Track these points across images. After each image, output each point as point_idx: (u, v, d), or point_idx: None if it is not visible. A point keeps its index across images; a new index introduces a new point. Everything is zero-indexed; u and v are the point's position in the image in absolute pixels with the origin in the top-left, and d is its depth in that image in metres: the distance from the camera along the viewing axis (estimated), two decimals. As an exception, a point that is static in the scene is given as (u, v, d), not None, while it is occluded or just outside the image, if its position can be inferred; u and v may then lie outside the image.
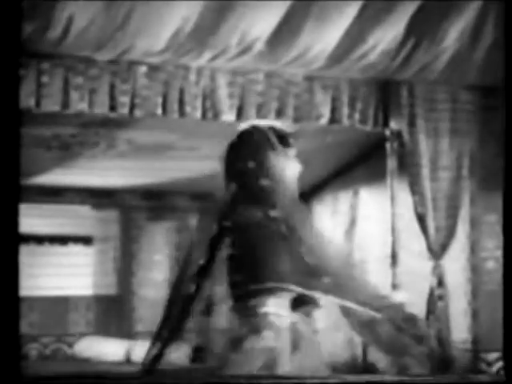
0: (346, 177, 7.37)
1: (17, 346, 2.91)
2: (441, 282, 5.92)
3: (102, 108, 5.36)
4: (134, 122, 6.07)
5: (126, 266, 8.71)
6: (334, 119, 5.78)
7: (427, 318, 5.90)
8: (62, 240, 8.61)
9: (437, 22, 5.17)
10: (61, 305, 8.55)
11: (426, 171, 5.89)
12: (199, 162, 7.30)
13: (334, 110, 5.79)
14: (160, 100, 5.45)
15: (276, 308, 2.90)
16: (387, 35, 5.21)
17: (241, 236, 3.00)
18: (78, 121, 6.04)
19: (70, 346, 8.40)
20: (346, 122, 5.81)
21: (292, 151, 3.17)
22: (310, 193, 7.71)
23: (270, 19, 4.97)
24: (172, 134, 6.51)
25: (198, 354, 3.13)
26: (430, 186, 5.89)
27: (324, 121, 5.76)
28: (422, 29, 5.19)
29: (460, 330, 5.99)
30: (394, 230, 5.99)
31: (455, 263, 6.03)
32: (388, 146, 6.04)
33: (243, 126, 3.22)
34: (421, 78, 5.78)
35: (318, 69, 5.55)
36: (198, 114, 5.51)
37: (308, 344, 2.97)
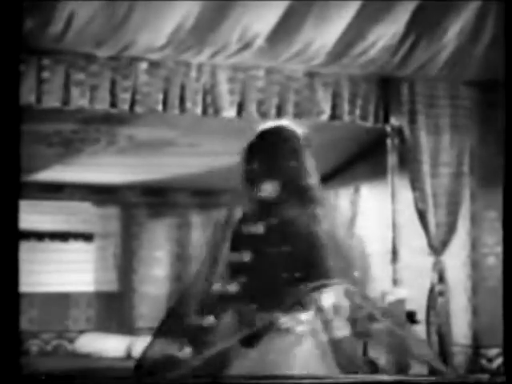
0: (347, 173, 7.37)
1: (17, 342, 2.92)
2: (441, 278, 5.93)
3: (102, 104, 5.36)
4: (134, 119, 6.07)
5: (127, 262, 8.71)
6: (334, 115, 5.79)
7: (427, 313, 5.91)
8: (62, 236, 8.62)
9: (437, 18, 5.17)
10: (61, 301, 8.56)
11: (426, 167, 5.90)
12: (200, 159, 7.30)
13: (335, 107, 5.79)
14: (161, 96, 5.45)
15: (328, 303, 2.98)
16: (387, 32, 5.21)
17: (290, 233, 3.02)
18: (78, 117, 6.04)
19: (71, 342, 8.41)
20: (346, 118, 5.82)
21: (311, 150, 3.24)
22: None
23: (270, 15, 4.97)
24: (173, 131, 6.51)
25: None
26: (430, 182, 5.89)
27: (324, 117, 5.76)
28: (422, 25, 5.19)
29: (460, 326, 6.00)
30: (394, 226, 5.99)
31: (456, 259, 6.04)
32: (388, 142, 6.05)
33: (267, 125, 3.25)
34: (421, 74, 5.78)
35: (318, 65, 5.55)
36: (199, 110, 5.51)
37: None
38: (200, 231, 8.77)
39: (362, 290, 3.09)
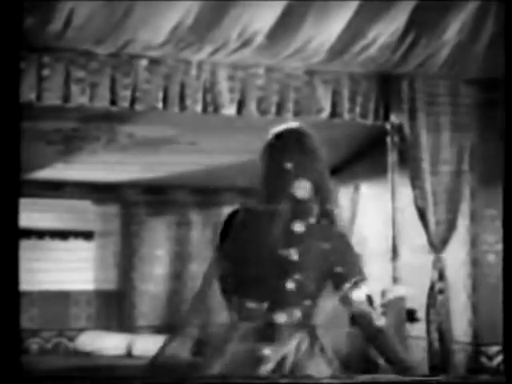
0: (347, 171, 7.37)
1: (17, 340, 2.92)
2: (441, 276, 5.93)
3: (102, 102, 5.36)
4: (134, 117, 6.07)
5: (127, 260, 8.72)
6: (334, 113, 5.79)
7: (428, 311, 5.91)
8: (62, 235, 8.62)
9: (437, 15, 5.17)
10: (62, 299, 8.56)
11: (426, 165, 5.89)
12: (200, 157, 7.31)
13: (335, 104, 5.79)
14: (161, 94, 5.45)
15: (363, 296, 3.12)
16: (387, 29, 5.20)
17: (328, 232, 3.13)
18: (78, 115, 6.04)
19: (71, 340, 8.42)
20: (346, 116, 5.82)
21: None
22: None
23: (270, 13, 4.97)
24: (172, 129, 6.51)
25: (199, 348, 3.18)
26: (430, 180, 5.89)
27: (324, 115, 5.76)
28: (422, 22, 5.19)
29: (460, 324, 6.00)
30: (394, 224, 5.99)
31: (456, 257, 6.04)
32: (388, 140, 6.04)
33: (283, 127, 3.29)
34: (421, 72, 5.78)
35: (318, 63, 5.55)
36: (199, 107, 5.51)
37: None
38: (200, 229, 8.77)
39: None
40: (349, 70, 5.74)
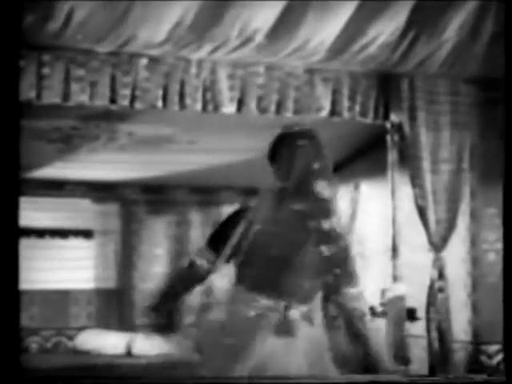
0: (347, 170, 7.37)
1: (17, 339, 2.92)
2: (441, 275, 5.92)
3: (102, 100, 5.35)
4: (134, 115, 6.07)
5: (127, 259, 8.71)
6: (334, 112, 5.78)
7: (427, 310, 5.91)
8: (62, 233, 8.62)
9: (437, 14, 5.17)
10: (61, 298, 8.56)
11: (426, 164, 5.89)
12: (199, 156, 7.30)
13: (335, 103, 5.79)
14: (160, 92, 5.44)
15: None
16: (387, 27, 5.20)
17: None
18: (78, 113, 6.03)
19: (71, 339, 8.41)
20: (346, 114, 5.81)
21: None
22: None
23: (270, 11, 4.97)
24: (172, 127, 6.51)
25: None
26: (430, 178, 5.89)
27: (324, 113, 5.76)
28: (422, 21, 5.19)
29: (460, 323, 6.00)
30: (394, 223, 5.99)
31: (456, 256, 6.04)
32: (388, 138, 6.04)
33: (299, 126, 3.40)
34: (421, 70, 5.78)
35: (318, 61, 5.55)
36: (199, 106, 5.51)
37: None
38: (199, 228, 8.77)
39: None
40: (349, 68, 5.74)
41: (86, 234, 8.67)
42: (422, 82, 5.91)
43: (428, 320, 5.91)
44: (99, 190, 8.55)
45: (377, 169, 6.56)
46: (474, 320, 6.03)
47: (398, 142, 5.99)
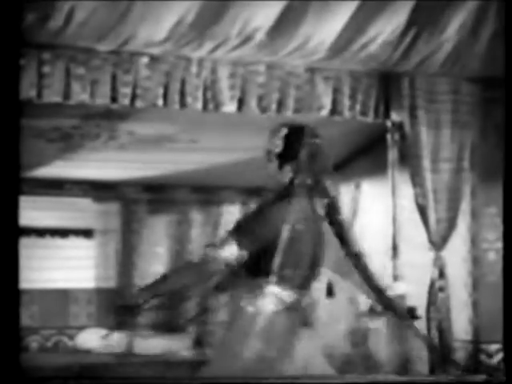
0: (347, 169, 7.36)
1: (17, 338, 2.92)
2: (442, 274, 5.92)
3: (103, 99, 5.35)
4: (135, 114, 6.06)
5: (127, 258, 8.71)
6: (335, 111, 5.78)
7: (428, 309, 5.91)
8: (62, 233, 8.61)
9: (438, 13, 5.17)
10: (62, 297, 8.55)
11: (426, 163, 5.89)
12: (200, 155, 7.30)
13: (335, 102, 5.79)
14: (161, 91, 5.44)
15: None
16: (388, 26, 5.20)
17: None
18: (79, 112, 6.03)
19: (71, 338, 8.41)
20: (346, 113, 5.81)
21: None
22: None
23: (270, 10, 4.97)
24: (173, 126, 6.50)
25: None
26: (430, 177, 5.89)
27: (325, 112, 5.76)
28: (423, 20, 5.19)
29: (461, 322, 6.00)
30: (395, 222, 5.99)
31: (456, 255, 6.04)
32: (389, 137, 6.04)
33: (306, 125, 3.43)
34: (422, 69, 5.78)
35: (318, 60, 5.55)
36: (199, 105, 5.51)
37: None
38: (200, 227, 8.77)
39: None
40: (349, 67, 5.74)
41: (87, 233, 8.66)
42: (422, 81, 5.91)
43: (428, 319, 5.91)
44: (99, 189, 8.54)
45: (377, 168, 6.56)
46: (475, 319, 6.03)
47: (398, 140, 5.99)
